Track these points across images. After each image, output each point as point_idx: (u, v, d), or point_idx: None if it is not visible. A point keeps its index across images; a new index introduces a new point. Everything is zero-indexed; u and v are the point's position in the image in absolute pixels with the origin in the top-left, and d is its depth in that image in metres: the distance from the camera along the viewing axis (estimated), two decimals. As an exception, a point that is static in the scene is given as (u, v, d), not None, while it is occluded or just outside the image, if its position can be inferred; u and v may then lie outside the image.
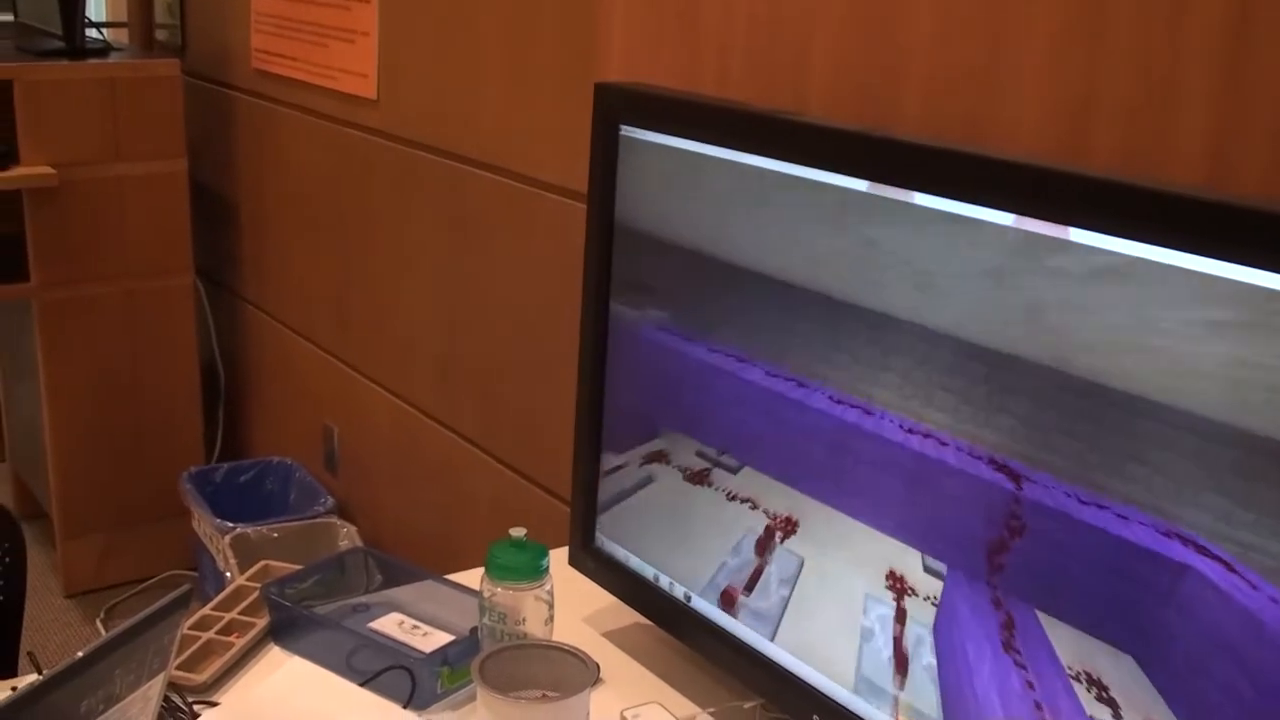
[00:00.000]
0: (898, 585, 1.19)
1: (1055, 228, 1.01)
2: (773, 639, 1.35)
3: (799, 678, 1.32)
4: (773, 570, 1.34)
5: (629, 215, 1.47)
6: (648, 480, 1.50)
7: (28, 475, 3.68)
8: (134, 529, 3.43)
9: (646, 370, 1.48)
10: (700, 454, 1.41)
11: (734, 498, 1.37)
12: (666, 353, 1.44)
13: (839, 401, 1.22)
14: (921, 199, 1.12)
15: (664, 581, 1.50)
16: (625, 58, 1.81)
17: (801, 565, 1.30)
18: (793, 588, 1.31)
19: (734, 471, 1.37)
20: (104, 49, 3.40)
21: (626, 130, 1.45)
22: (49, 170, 3.11)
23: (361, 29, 2.69)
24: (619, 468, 1.55)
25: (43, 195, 3.12)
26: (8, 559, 1.82)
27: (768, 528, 1.33)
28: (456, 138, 2.44)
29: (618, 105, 1.47)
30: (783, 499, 1.31)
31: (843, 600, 1.26)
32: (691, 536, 1.44)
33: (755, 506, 1.34)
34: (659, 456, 1.48)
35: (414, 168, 2.59)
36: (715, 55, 1.67)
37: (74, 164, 3.15)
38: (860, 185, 1.18)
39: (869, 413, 1.19)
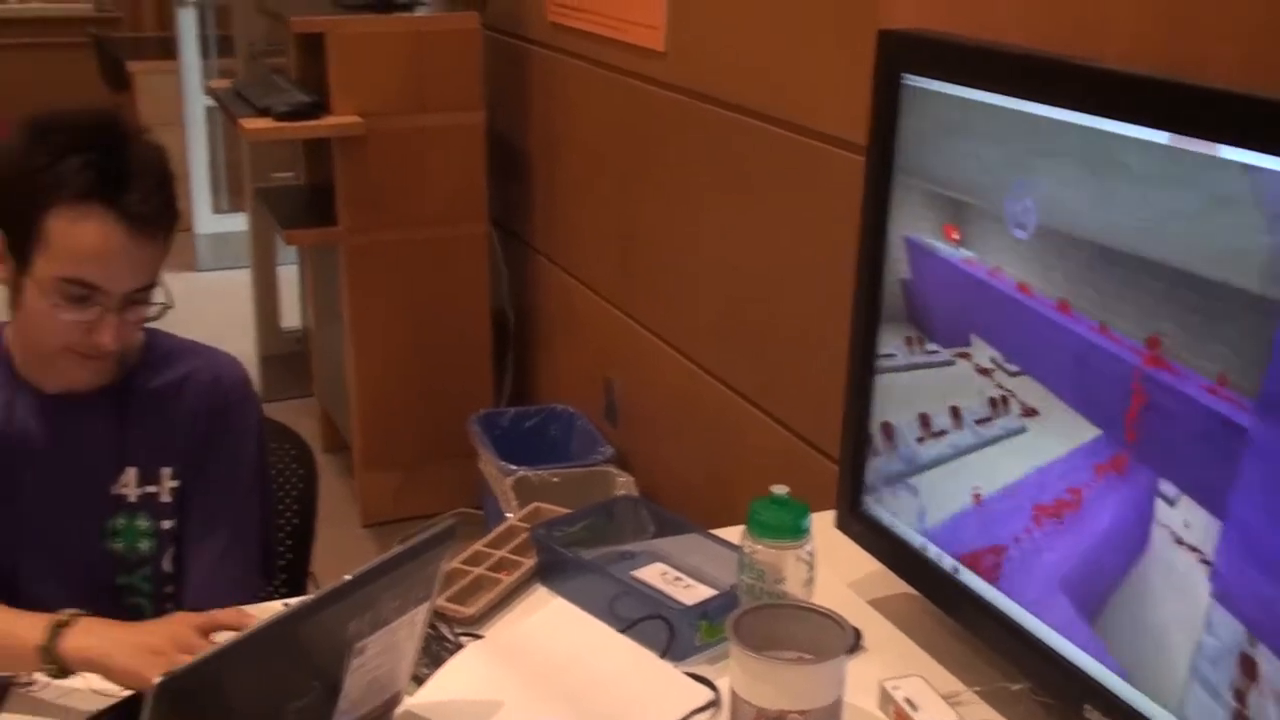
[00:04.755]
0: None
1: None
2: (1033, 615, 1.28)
3: (1072, 662, 1.24)
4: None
5: (910, 168, 1.41)
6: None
7: (334, 410, 3.90)
8: (427, 465, 3.59)
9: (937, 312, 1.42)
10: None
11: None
12: (958, 295, 1.38)
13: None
14: (1229, 153, 1.02)
15: (931, 551, 1.45)
16: (911, 3, 1.73)
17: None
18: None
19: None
20: (410, 3, 3.54)
21: (910, 79, 1.39)
22: (357, 120, 3.26)
23: (654, -19, 2.70)
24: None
25: (350, 144, 3.29)
26: (301, 485, 1.92)
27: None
28: (740, 90, 2.41)
29: (901, 53, 1.40)
30: (1062, 471, 1.23)
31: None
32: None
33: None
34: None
35: (698, 120, 2.58)
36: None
37: (379, 114, 3.29)
38: (1161, 138, 1.08)
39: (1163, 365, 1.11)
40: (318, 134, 3.35)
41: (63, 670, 1.33)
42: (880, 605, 1.56)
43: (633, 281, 2.99)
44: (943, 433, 1.41)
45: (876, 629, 1.51)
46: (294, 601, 1.21)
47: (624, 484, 2.90)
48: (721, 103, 2.49)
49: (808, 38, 2.18)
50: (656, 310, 2.88)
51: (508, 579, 1.58)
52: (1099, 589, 1.20)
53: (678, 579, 1.59)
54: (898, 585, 1.54)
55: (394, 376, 3.51)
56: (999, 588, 1.34)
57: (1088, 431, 1.20)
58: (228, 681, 1.06)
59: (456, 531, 1.26)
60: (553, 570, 1.60)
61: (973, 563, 1.38)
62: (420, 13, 3.51)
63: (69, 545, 1.59)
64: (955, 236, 1.34)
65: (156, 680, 0.97)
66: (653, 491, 2.92)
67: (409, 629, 1.24)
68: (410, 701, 1.33)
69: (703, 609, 1.46)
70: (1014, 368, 1.29)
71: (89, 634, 1.34)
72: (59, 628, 1.34)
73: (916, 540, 1.47)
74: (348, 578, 1.12)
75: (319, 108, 3.28)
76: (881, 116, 1.43)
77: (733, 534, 1.60)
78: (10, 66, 6.94)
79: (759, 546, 1.38)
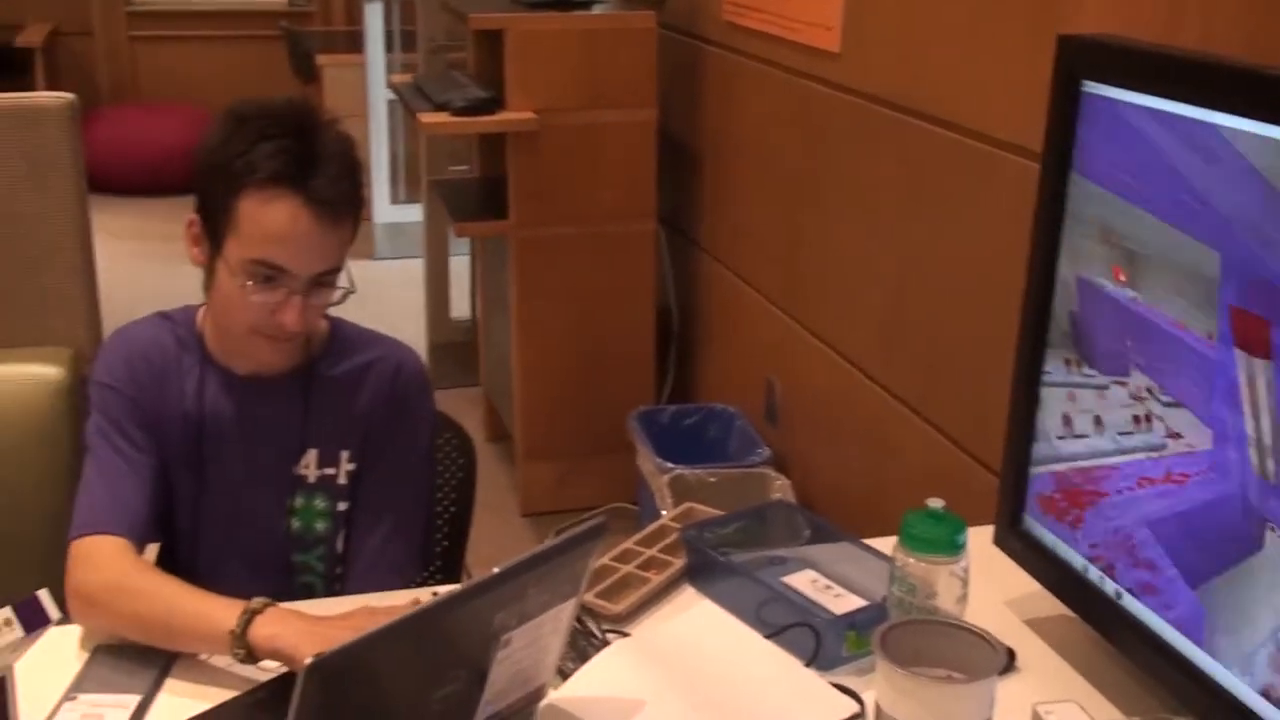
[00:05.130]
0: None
1: None
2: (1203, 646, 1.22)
3: (1238, 698, 1.19)
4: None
5: (1089, 176, 1.36)
6: (1084, 463, 1.40)
7: (498, 400, 3.97)
8: (587, 459, 3.62)
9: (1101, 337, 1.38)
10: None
11: (1179, 492, 1.25)
12: (1123, 321, 1.33)
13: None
14: None
15: (1093, 574, 1.40)
16: (1096, 8, 1.67)
17: (1251, 575, 1.16)
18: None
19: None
20: (588, 1, 3.57)
21: (1090, 86, 1.34)
22: (531, 116, 3.31)
23: (830, -19, 2.67)
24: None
25: (524, 140, 3.33)
26: (461, 475, 1.96)
27: (1215, 529, 1.21)
28: (914, 93, 2.37)
29: (1081, 59, 1.36)
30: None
31: (1297, 620, 1.12)
32: (1127, 528, 1.33)
33: (1202, 504, 1.22)
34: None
35: (870, 123, 2.54)
36: (1199, 7, 1.51)
37: (553, 110, 3.33)
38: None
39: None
40: (492, 129, 3.40)
41: (250, 655, 1.39)
42: (1037, 626, 1.52)
43: (798, 283, 2.97)
44: (1083, 435, 1.39)
45: (1032, 650, 1.46)
46: (444, 590, 1.23)
47: (780, 487, 2.88)
48: (895, 105, 2.44)
49: (986, 41, 2.13)
50: (821, 313, 2.85)
51: (656, 578, 1.58)
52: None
53: (828, 587, 1.57)
54: (1057, 606, 1.49)
55: (558, 369, 3.55)
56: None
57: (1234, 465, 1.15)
58: (377, 666, 1.09)
59: (606, 529, 1.26)
60: (702, 572, 1.60)
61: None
62: (597, 10, 3.53)
63: (251, 521, 1.66)
64: (1122, 278, 1.31)
65: (307, 660, 0.99)
66: (808, 495, 2.89)
67: (555, 623, 1.25)
68: (554, 695, 1.34)
69: (850, 620, 1.44)
70: (1169, 399, 1.25)
71: (278, 623, 1.39)
72: (251, 615, 1.39)
73: (1077, 561, 1.42)
74: (496, 570, 1.14)
75: (495, 103, 3.33)
76: (1058, 123, 1.39)
77: (886, 544, 1.57)
78: (206, 58, 7.26)
79: (911, 560, 1.35)
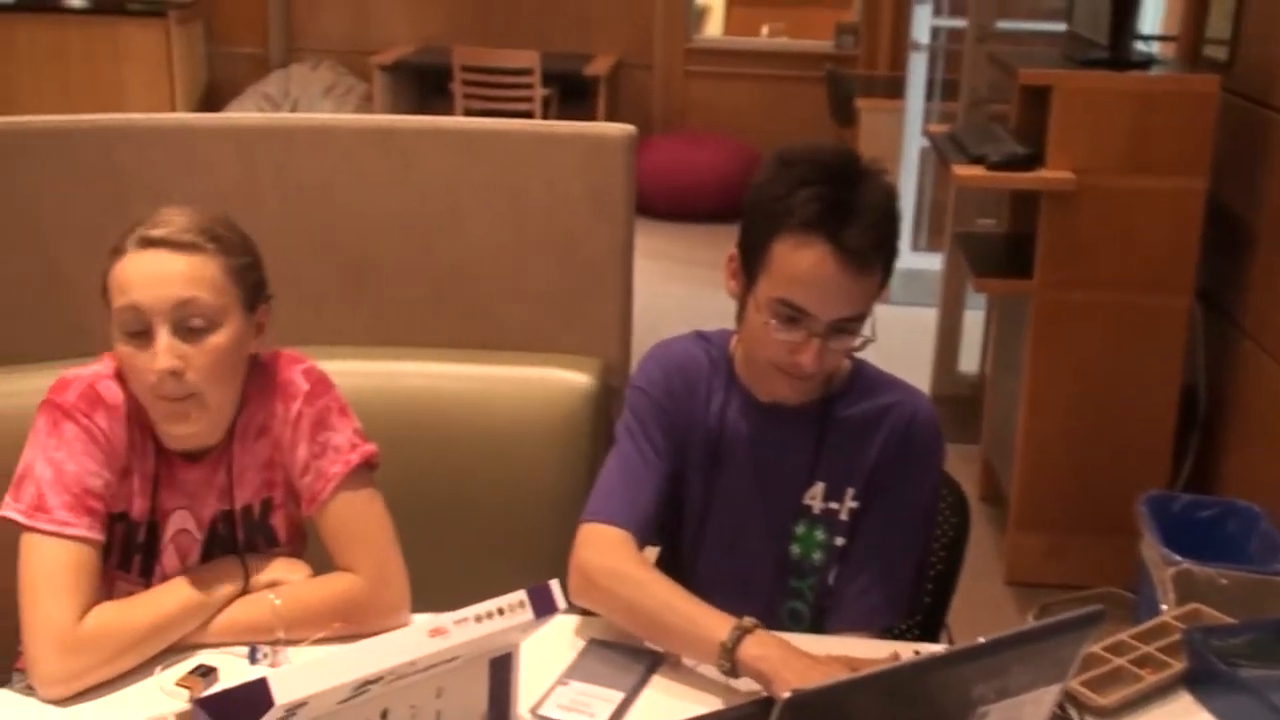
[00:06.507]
0: None
1: None
2: None
3: None
4: None
5: None
6: None
7: (996, 461, 3.86)
8: (1082, 535, 3.45)
9: None
10: None
11: None
12: None
13: None
14: None
15: None
16: None
17: None
18: None
19: None
20: (1146, 61, 3.40)
21: None
22: (1070, 176, 3.20)
23: None
24: None
25: (1060, 199, 3.23)
26: (953, 534, 1.93)
27: None
28: None
29: None
30: None
31: None
32: None
33: None
34: None
35: None
36: None
37: (1094, 171, 3.20)
38: None
39: None
40: (1028, 186, 3.33)
41: (733, 670, 1.45)
42: None
43: None
44: None
45: None
46: (925, 649, 1.21)
47: (1304, 602, 2.60)
48: None
49: None
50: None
51: (1151, 677, 1.48)
52: None
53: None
54: None
55: (1065, 438, 3.41)
56: None
57: None
58: (850, 712, 1.09)
59: (1104, 617, 1.20)
60: (1204, 681, 1.48)
61: None
62: (1156, 71, 3.36)
63: (752, 540, 1.73)
64: None
65: (786, 694, 1.02)
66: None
67: (1035, 706, 1.20)
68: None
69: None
70: None
71: (766, 646, 1.45)
72: (742, 633, 1.46)
73: None
74: (982, 640, 1.11)
75: (1033, 160, 3.26)
76: None
77: None
78: (750, 94, 7.61)
79: None
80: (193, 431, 1.56)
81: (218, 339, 1.54)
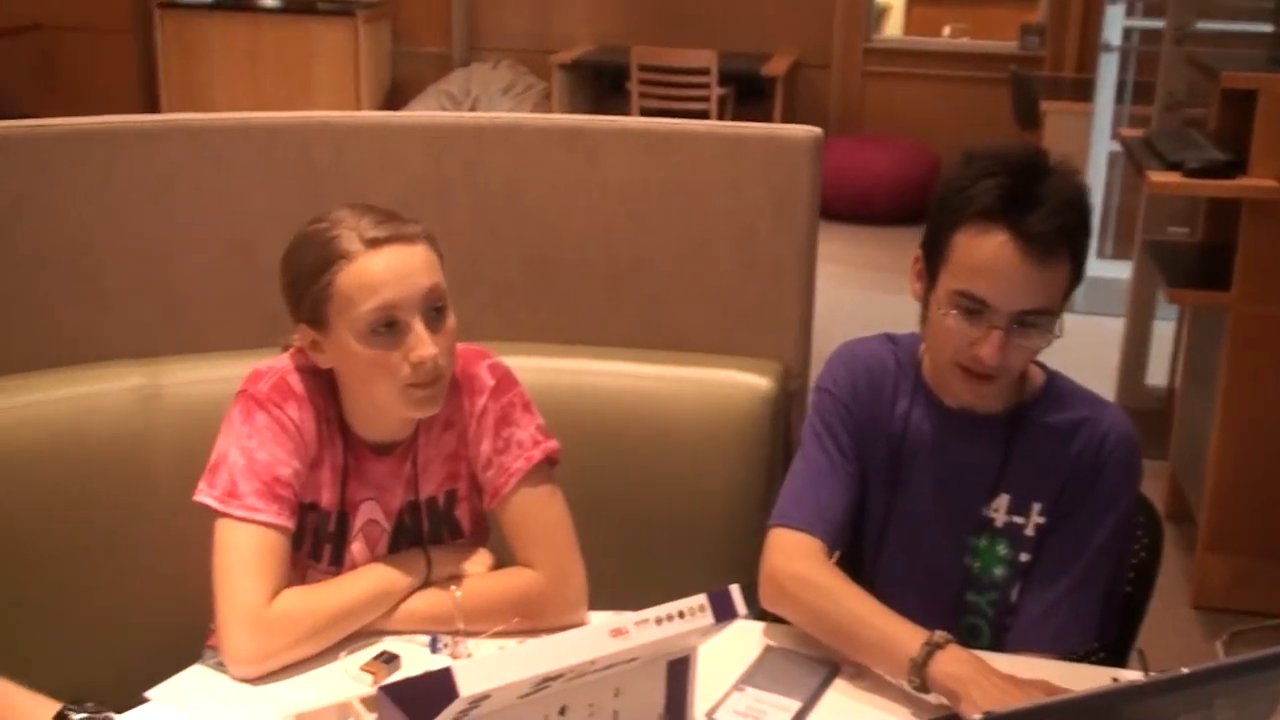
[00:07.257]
0: None
1: None
2: None
3: None
4: None
5: None
6: None
7: (1184, 478, 3.72)
8: (1276, 561, 3.29)
9: None
10: None
11: None
12: None
13: None
14: None
15: None
16: None
17: None
18: None
19: None
20: (1361, 64, 3.23)
21: None
22: (1274, 184, 3.05)
23: None
24: None
25: (1262, 209, 3.09)
26: (1144, 555, 1.85)
27: None
28: None
29: None
30: None
31: None
32: None
33: None
34: None
35: None
36: None
37: (1303, 179, 3.06)
38: None
39: None
40: (1228, 194, 3.19)
41: (923, 685, 1.43)
42: None
43: None
44: None
45: None
46: (1122, 676, 1.17)
47: None
48: None
49: None
50: None
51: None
52: None
53: None
54: None
55: (1260, 458, 3.26)
56: None
57: None
58: (1042, 737, 1.06)
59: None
60: None
61: None
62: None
63: (931, 550, 1.70)
64: None
65: (976, 717, 0.99)
66: None
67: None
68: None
69: None
70: None
71: (959, 663, 1.43)
72: (934, 648, 1.44)
73: None
74: (1184, 670, 1.06)
75: (1235, 167, 3.12)
76: None
77: None
78: (930, 96, 7.48)
79: None
80: (437, 411, 1.61)
81: (452, 320, 1.59)
